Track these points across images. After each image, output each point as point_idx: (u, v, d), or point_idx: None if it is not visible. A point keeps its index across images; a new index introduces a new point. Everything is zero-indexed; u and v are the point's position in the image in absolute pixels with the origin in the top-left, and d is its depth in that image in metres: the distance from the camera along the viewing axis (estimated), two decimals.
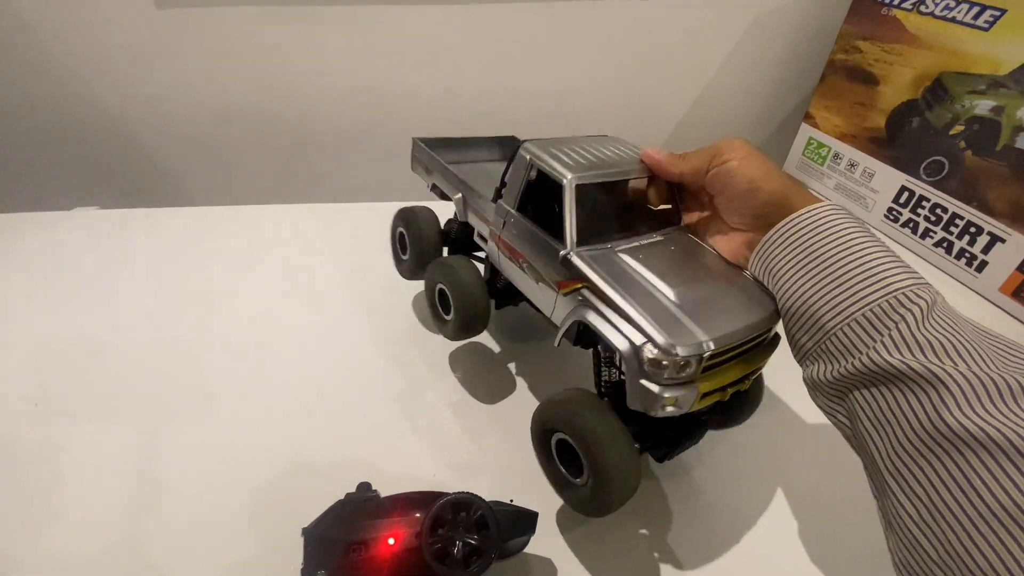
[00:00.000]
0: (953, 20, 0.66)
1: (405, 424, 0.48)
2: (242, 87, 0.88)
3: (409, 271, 0.54)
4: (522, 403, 0.50)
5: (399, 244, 0.54)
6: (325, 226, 0.74)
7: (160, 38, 0.82)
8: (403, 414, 0.49)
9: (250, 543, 0.39)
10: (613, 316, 0.32)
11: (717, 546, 0.40)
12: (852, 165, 0.81)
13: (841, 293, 0.29)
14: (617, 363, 0.36)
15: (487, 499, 0.33)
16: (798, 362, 0.33)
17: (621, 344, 0.31)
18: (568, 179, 0.36)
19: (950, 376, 0.25)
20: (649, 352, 0.30)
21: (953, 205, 0.68)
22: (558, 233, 0.36)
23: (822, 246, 0.31)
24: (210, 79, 0.87)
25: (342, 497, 0.36)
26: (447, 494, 0.33)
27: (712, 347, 0.30)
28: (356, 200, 0.76)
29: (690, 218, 0.42)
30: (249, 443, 0.46)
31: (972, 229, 0.67)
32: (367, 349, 0.55)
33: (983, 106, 0.65)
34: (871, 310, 0.28)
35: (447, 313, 0.46)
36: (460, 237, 0.51)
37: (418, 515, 0.32)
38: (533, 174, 0.39)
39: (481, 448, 0.46)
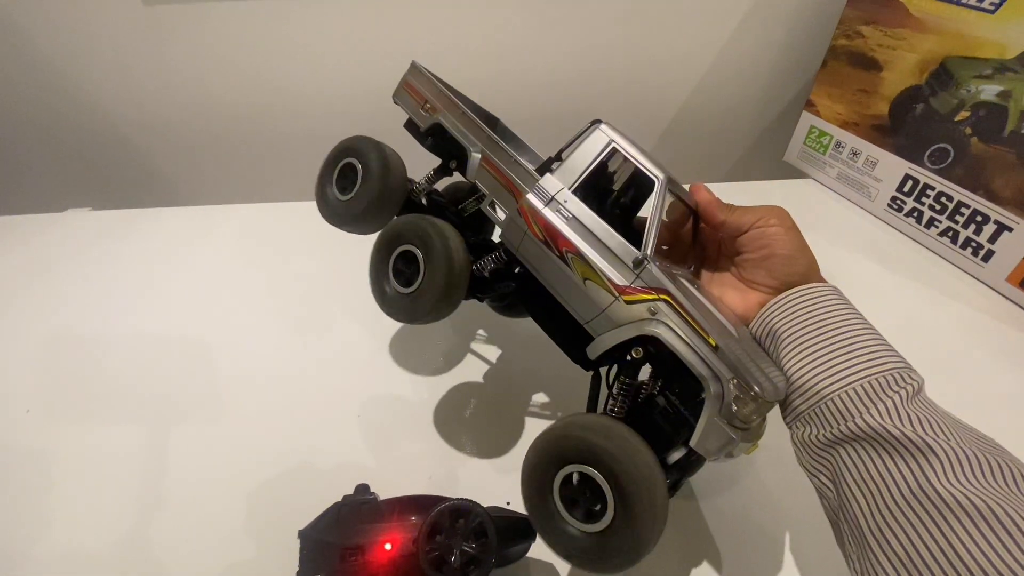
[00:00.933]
0: (958, 3, 0.65)
1: (402, 426, 0.47)
2: (233, 84, 0.87)
3: (346, 217, 0.42)
4: (521, 406, 0.49)
5: (338, 180, 0.42)
6: (321, 224, 0.73)
7: (149, 36, 0.81)
8: (400, 415, 0.48)
9: (248, 544, 0.39)
10: (696, 341, 0.29)
11: (720, 554, 0.39)
12: (855, 153, 0.80)
13: (840, 364, 0.31)
14: (630, 395, 0.33)
15: (485, 504, 0.33)
16: (787, 424, 0.34)
17: (705, 372, 0.28)
18: (662, 178, 0.32)
19: (939, 446, 0.27)
20: (735, 389, 0.27)
21: (959, 193, 0.67)
22: (630, 233, 0.32)
23: (825, 321, 0.33)
24: (200, 77, 0.86)
25: (339, 499, 0.36)
26: (446, 499, 0.32)
27: (779, 397, 0.29)
28: None
29: (681, 261, 0.43)
30: (247, 444, 0.45)
31: (978, 218, 0.65)
32: (365, 349, 0.54)
33: (989, 91, 0.64)
34: (868, 382, 0.30)
35: (407, 285, 0.36)
36: (418, 200, 0.43)
37: (415, 520, 0.32)
38: (605, 160, 0.34)
39: (479, 450, 0.45)
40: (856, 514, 0.29)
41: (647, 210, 0.37)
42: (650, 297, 0.30)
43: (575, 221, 0.33)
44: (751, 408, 0.27)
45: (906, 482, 0.27)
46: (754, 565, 0.39)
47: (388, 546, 0.31)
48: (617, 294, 0.31)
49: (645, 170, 0.33)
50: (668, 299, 0.30)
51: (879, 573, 0.27)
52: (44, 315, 0.59)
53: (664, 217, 0.40)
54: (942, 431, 0.28)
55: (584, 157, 0.34)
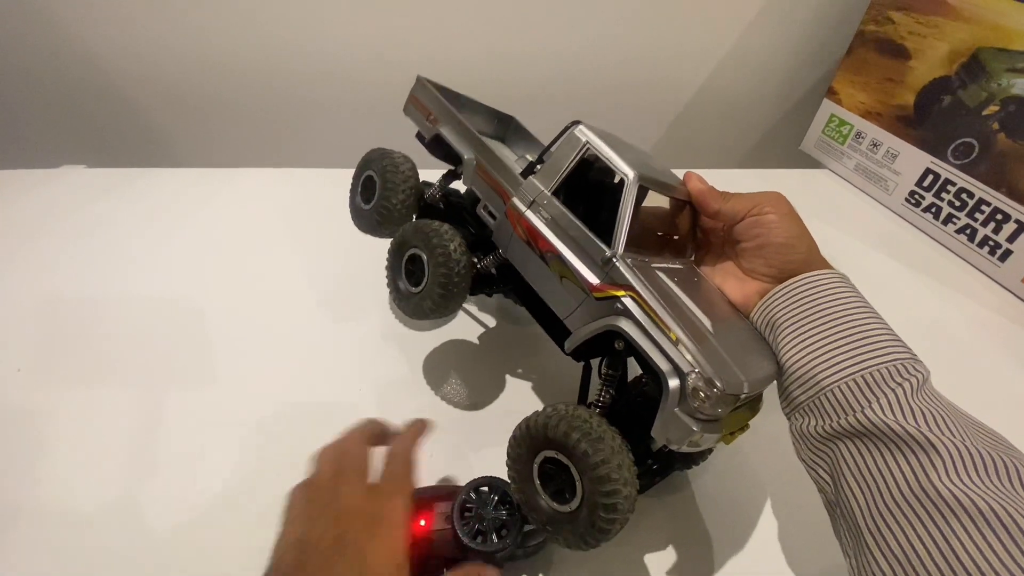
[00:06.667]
0: None
1: (406, 402, 0.46)
2: (236, 45, 0.83)
3: (369, 225, 0.47)
4: (519, 385, 0.48)
5: (363, 190, 0.47)
6: (324, 190, 0.71)
7: None
8: (403, 391, 0.47)
9: (241, 513, 0.38)
10: (658, 335, 0.29)
11: (710, 537, 0.39)
12: (875, 145, 0.78)
13: (842, 353, 0.30)
14: (615, 384, 0.34)
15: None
16: (786, 414, 0.33)
17: (664, 366, 0.29)
18: (632, 176, 0.32)
19: (941, 443, 0.26)
20: (694, 382, 0.28)
21: (980, 190, 0.66)
22: (603, 232, 0.33)
23: (827, 309, 0.32)
24: (203, 36, 0.82)
25: None
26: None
27: (746, 390, 0.29)
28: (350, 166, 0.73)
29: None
30: (240, 412, 0.44)
31: (998, 216, 0.64)
32: (366, 320, 0.53)
33: (1021, 85, 0.62)
34: (870, 373, 0.29)
35: (415, 284, 0.40)
36: (435, 204, 0.46)
37: (443, 503, 0.34)
38: (584, 160, 0.35)
39: (484, 429, 0.44)
40: (853, 509, 0.28)
41: (650, 200, 0.38)
42: (618, 293, 0.31)
43: (553, 222, 0.34)
44: (712, 401, 0.28)
45: (906, 480, 0.26)
46: (741, 550, 0.39)
47: (423, 522, 0.33)
48: (588, 291, 0.32)
49: (616, 169, 0.33)
50: (633, 295, 0.31)
51: (875, 570, 0.26)
52: (35, 272, 0.57)
53: (666, 206, 0.40)
54: (947, 427, 0.27)
55: (562, 159, 0.35)
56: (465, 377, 0.49)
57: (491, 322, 0.55)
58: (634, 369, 0.34)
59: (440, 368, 0.49)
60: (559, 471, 0.30)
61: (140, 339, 0.50)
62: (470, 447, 0.43)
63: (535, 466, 0.31)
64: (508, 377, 0.49)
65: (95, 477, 0.39)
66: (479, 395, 0.47)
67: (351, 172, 0.49)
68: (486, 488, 0.34)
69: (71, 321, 0.51)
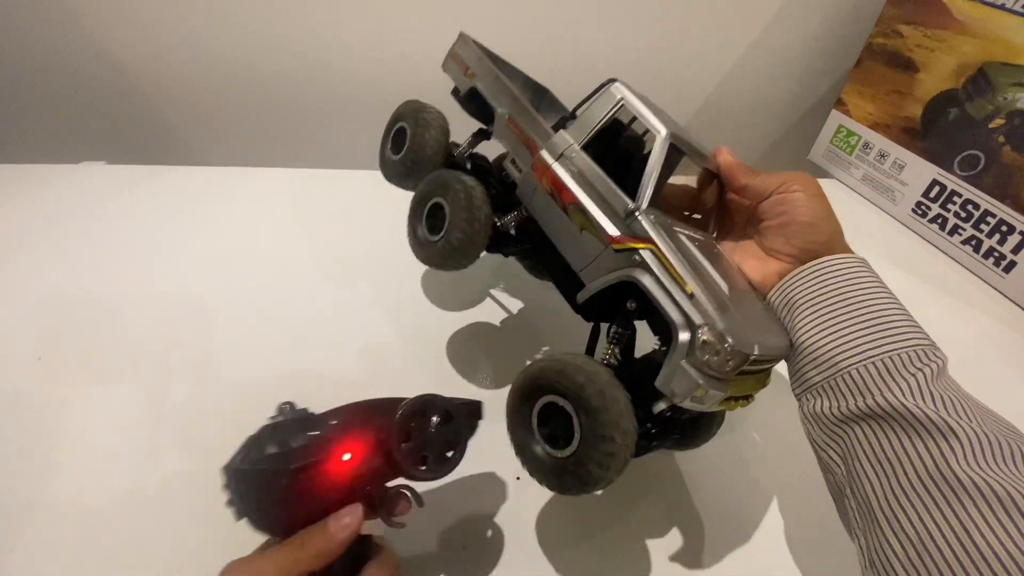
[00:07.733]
0: (1002, 7, 0.63)
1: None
2: (256, 45, 0.85)
3: (396, 174, 0.46)
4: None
5: (394, 140, 0.47)
6: (340, 191, 0.73)
7: None
8: (409, 381, 0.48)
9: None
10: (674, 288, 0.30)
11: (703, 524, 0.40)
12: (882, 156, 0.78)
13: (861, 336, 0.30)
14: (623, 344, 0.34)
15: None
16: (797, 395, 0.34)
17: (677, 318, 0.29)
18: (664, 133, 0.33)
19: (962, 428, 0.26)
20: (705, 335, 0.28)
21: (986, 202, 0.66)
22: (628, 186, 0.33)
23: (847, 292, 0.32)
24: (222, 36, 0.84)
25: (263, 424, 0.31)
26: (392, 399, 0.30)
27: (757, 352, 0.29)
28: (366, 167, 0.74)
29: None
30: (251, 404, 0.44)
31: (1003, 228, 0.65)
32: (375, 319, 0.54)
33: None
34: (890, 357, 0.29)
35: (434, 233, 0.40)
36: (462, 162, 0.46)
37: (369, 428, 0.28)
38: (617, 120, 0.35)
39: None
40: (867, 491, 0.28)
41: (677, 178, 0.39)
42: (637, 246, 0.31)
43: (579, 175, 0.34)
44: (722, 356, 0.28)
45: (923, 463, 0.26)
46: (737, 535, 0.40)
47: (347, 456, 0.27)
48: (607, 243, 0.33)
49: (648, 125, 0.34)
50: (653, 248, 0.31)
51: (887, 551, 0.27)
52: (55, 265, 0.58)
53: (692, 183, 0.41)
54: (965, 413, 0.27)
55: (595, 114, 0.35)
56: (486, 360, 0.50)
57: (513, 308, 0.56)
58: (643, 347, 0.35)
59: (461, 351, 0.51)
60: (557, 418, 0.30)
61: (155, 333, 0.51)
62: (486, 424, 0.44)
63: (535, 412, 0.31)
64: (528, 362, 0.50)
65: (108, 469, 0.40)
66: (497, 376, 0.49)
67: (368, 173, 0.50)
68: (426, 409, 0.30)
69: (89, 314, 0.53)
